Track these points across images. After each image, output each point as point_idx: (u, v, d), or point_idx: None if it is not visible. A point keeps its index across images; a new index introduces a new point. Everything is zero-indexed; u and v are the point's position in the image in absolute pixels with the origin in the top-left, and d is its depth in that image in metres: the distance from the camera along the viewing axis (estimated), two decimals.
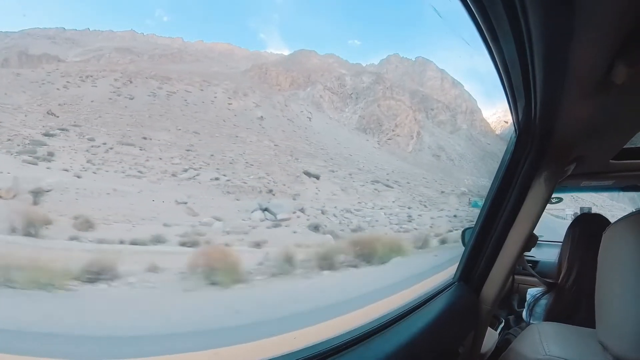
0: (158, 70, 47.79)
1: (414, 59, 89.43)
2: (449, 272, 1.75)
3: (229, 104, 41.78)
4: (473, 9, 0.76)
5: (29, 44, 57.44)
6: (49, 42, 63.10)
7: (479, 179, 55.39)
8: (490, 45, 0.89)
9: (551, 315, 1.59)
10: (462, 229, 2.01)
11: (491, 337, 1.71)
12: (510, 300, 2.58)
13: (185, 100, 39.31)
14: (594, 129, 1.23)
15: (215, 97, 42.01)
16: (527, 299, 1.81)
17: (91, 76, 37.94)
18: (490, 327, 1.71)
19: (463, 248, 1.73)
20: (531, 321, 1.70)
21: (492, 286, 1.53)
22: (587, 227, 1.69)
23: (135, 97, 35.44)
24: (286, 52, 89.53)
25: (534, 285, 2.07)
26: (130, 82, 39.02)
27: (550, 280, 1.75)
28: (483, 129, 78.81)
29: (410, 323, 1.25)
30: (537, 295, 1.73)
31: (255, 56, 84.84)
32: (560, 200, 2.67)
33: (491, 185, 1.55)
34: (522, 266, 2.03)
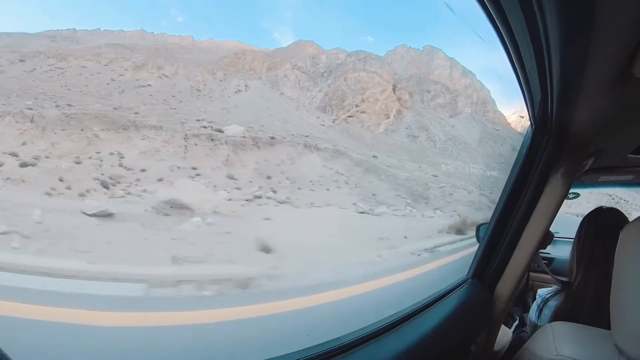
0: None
1: (421, 48, 79.75)
2: None
3: (121, 75, 40.32)
4: None
5: (27, 42, 63.75)
6: (48, 40, 69.50)
7: (468, 165, 44.97)
8: (504, 35, 0.83)
9: (557, 317, 1.49)
10: (477, 225, 1.93)
11: (505, 335, 1.67)
12: (524, 298, 2.49)
13: (63, 72, 38.92)
14: (613, 122, 1.17)
15: (113, 70, 40.99)
16: (537, 300, 1.70)
17: None
18: (504, 325, 1.65)
19: None
20: (538, 323, 1.61)
21: (506, 283, 1.49)
22: (601, 221, 1.56)
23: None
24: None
25: (549, 283, 1.98)
26: (21, 60, 39.90)
27: (564, 279, 1.64)
28: (496, 120, 66.32)
29: (423, 320, 1.23)
30: (547, 297, 1.63)
31: (263, 52, 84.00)
32: (577, 195, 2.54)
33: (507, 181, 1.50)
34: (537, 264, 1.93)
